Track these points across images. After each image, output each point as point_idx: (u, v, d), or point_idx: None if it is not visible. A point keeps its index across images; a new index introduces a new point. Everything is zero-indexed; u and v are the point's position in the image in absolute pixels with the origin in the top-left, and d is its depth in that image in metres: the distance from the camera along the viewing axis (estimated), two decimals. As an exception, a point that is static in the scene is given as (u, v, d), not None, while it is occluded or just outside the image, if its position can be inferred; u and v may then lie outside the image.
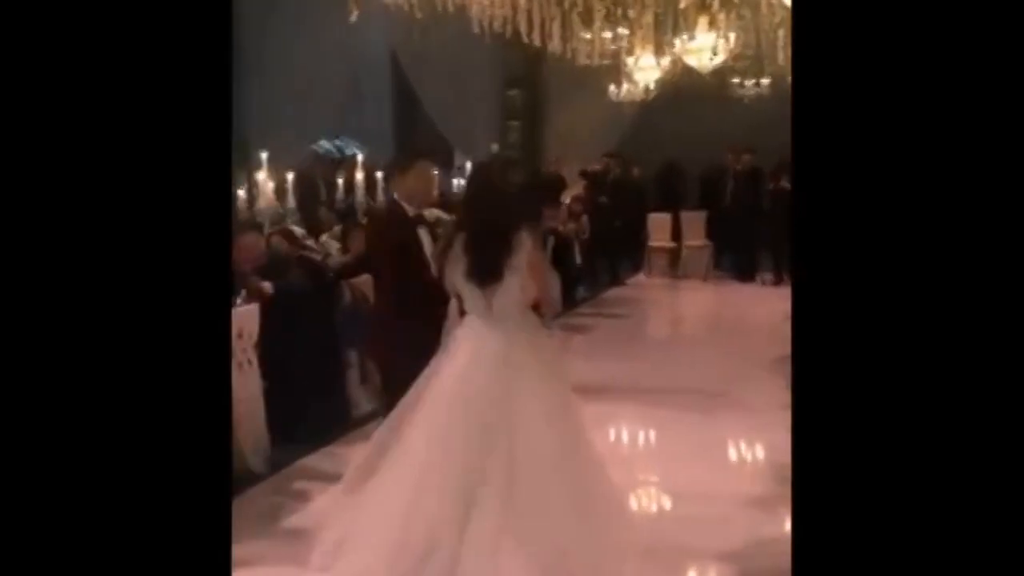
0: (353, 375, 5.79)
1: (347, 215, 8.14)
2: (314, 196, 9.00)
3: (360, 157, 8.84)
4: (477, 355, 3.34)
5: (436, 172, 4.82)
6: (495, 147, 11.90)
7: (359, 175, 8.14)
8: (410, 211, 4.15)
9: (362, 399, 5.72)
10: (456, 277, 3.40)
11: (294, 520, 4.09)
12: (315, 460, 4.86)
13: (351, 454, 4.93)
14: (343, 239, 6.79)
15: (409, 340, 3.73)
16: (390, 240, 4.12)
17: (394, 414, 3.41)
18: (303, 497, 4.39)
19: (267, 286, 5.03)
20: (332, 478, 4.56)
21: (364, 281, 5.87)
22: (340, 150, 11.82)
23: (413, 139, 12.82)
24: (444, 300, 3.69)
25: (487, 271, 3.32)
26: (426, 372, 3.39)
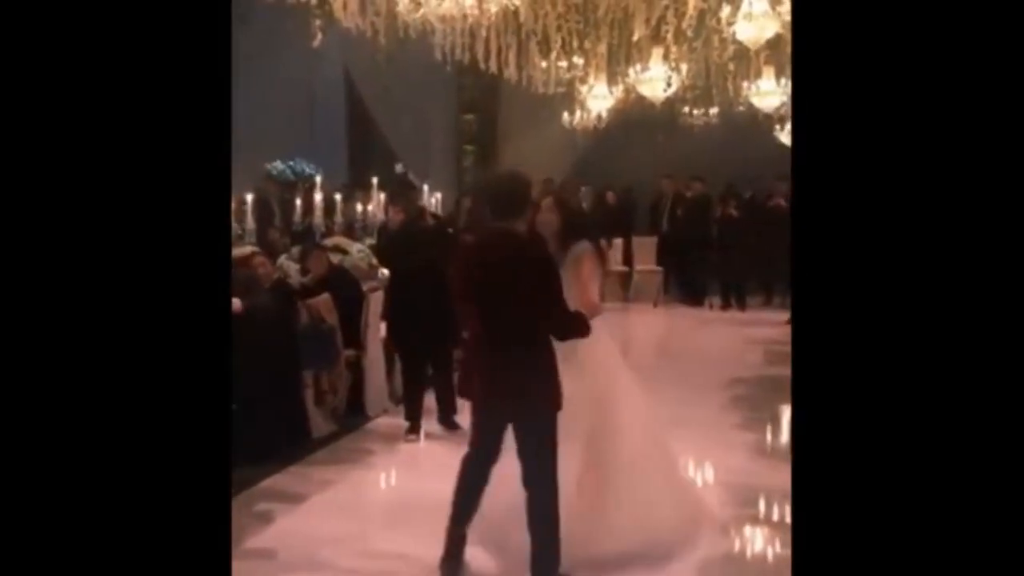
0: (309, 395, 5.83)
1: (304, 236, 8.15)
2: (268, 218, 8.96)
3: (319, 179, 8.83)
4: None
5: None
6: (399, 167, 12.07)
7: (318, 197, 8.15)
8: None
9: (319, 420, 5.77)
10: None
11: (257, 541, 4.11)
12: (277, 481, 4.89)
13: (313, 474, 4.99)
14: (302, 260, 6.83)
15: None
16: None
17: None
18: (265, 519, 4.41)
19: (236, 303, 5.04)
20: (295, 499, 4.61)
21: (321, 301, 5.97)
22: (294, 171, 11.77)
23: (368, 161, 12.89)
24: None
25: None
26: None
